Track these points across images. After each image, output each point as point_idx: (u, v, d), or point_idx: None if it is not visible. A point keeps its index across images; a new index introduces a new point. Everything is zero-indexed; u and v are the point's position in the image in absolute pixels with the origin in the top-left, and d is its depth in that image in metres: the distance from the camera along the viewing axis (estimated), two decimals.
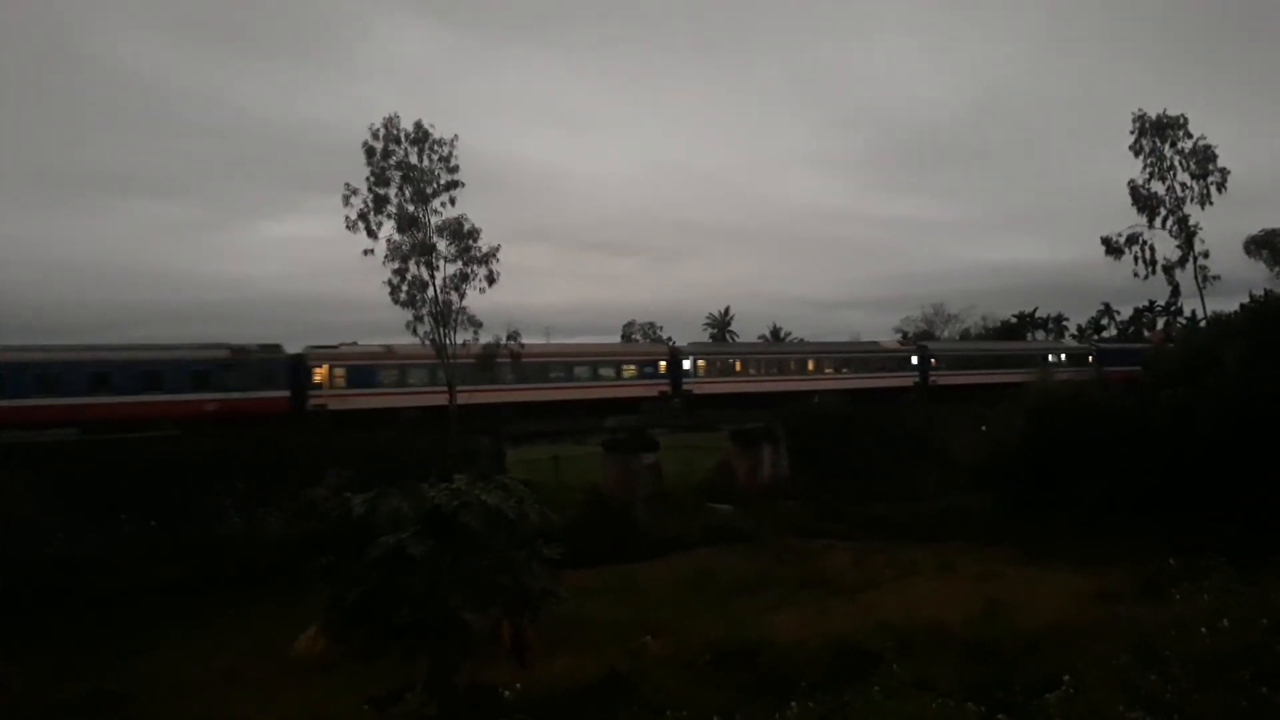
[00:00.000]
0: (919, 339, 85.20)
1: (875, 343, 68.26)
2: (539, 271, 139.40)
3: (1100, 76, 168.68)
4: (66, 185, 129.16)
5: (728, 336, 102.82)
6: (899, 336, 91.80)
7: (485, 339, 40.62)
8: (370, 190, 38.33)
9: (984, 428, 41.09)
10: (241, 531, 32.97)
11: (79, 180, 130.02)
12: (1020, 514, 36.37)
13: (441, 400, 41.78)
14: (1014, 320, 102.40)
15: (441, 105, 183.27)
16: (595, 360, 51.89)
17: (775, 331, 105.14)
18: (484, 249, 39.50)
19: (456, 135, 39.04)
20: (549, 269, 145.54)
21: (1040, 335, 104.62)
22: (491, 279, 39.60)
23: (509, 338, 41.23)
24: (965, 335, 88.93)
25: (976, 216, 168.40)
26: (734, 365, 56.76)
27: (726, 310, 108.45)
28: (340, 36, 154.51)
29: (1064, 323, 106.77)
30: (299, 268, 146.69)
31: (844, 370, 60.34)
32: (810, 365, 59.68)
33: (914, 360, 62.75)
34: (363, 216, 38.18)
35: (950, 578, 28.44)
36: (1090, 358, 69.02)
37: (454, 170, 39.21)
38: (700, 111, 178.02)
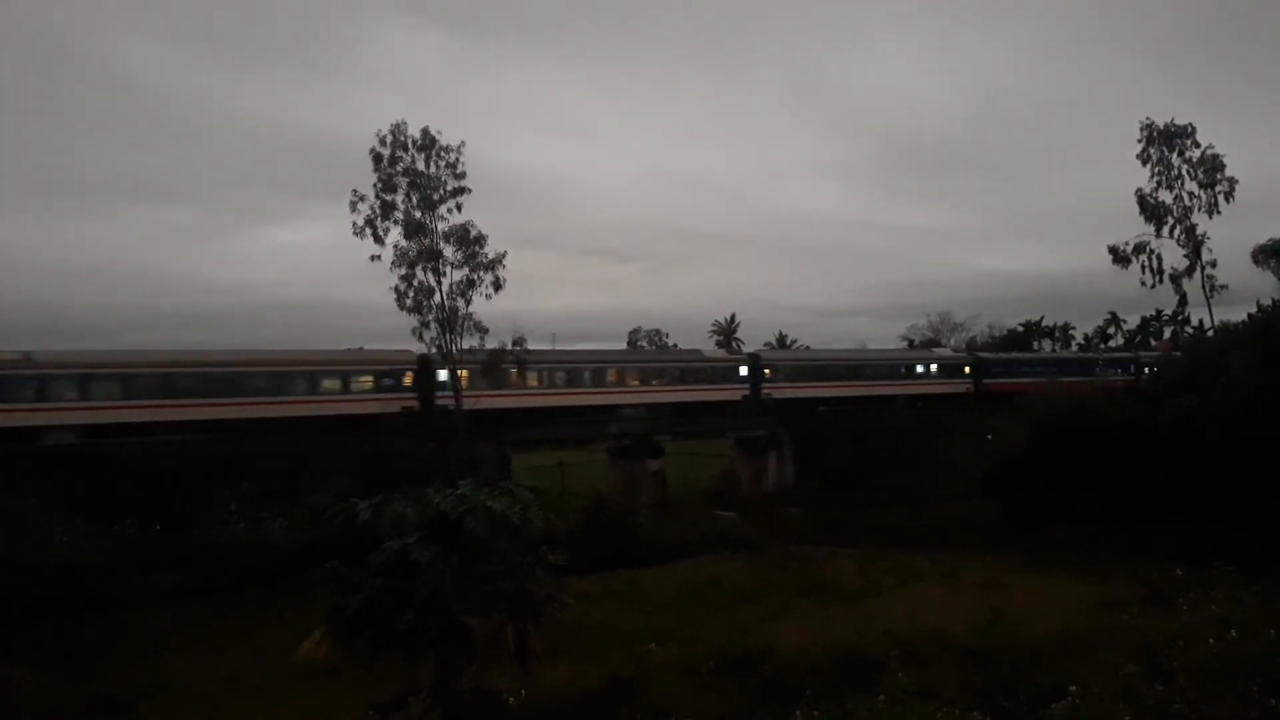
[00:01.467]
0: (925, 347, 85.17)
1: (698, 351, 64.82)
2: (543, 278, 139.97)
3: (1105, 82, 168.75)
4: (73, 190, 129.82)
5: (734, 344, 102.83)
6: (904, 344, 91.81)
7: (491, 344, 40.68)
8: (377, 196, 38.49)
9: (989, 436, 40.95)
10: (245, 536, 32.98)
11: (85, 186, 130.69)
12: (1024, 522, 36.30)
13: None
14: (1020, 329, 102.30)
15: (445, 112, 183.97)
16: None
17: (781, 339, 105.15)
18: (490, 255, 39.63)
19: (463, 142, 39.23)
20: (553, 275, 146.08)
21: (1047, 344, 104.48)
22: (498, 285, 39.75)
23: (514, 344, 41.28)
24: (971, 344, 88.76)
25: (982, 224, 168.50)
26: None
27: (733, 318, 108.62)
28: (344, 43, 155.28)
29: (1070, 331, 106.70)
30: (303, 273, 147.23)
31: (654, 382, 53.57)
32: (611, 376, 52.38)
33: (743, 371, 56.02)
34: (370, 222, 38.35)
35: (954, 585, 28.39)
36: (967, 369, 64.47)
37: (461, 177, 39.37)
38: (702, 119, 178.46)
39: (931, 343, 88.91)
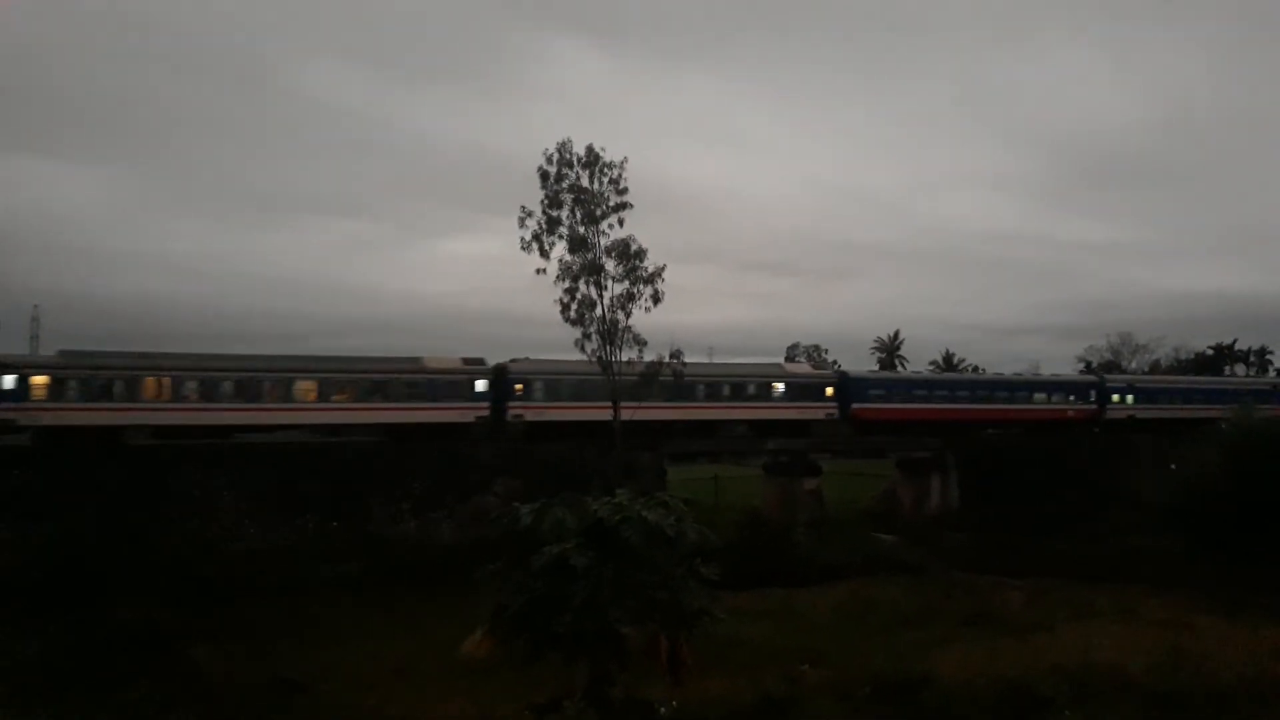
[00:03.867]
0: (1104, 369, 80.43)
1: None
2: (702, 291, 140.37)
3: None
4: (260, 204, 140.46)
5: (897, 363, 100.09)
6: (1081, 366, 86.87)
7: (649, 357, 41.19)
8: (544, 212, 39.66)
9: (1173, 465, 38.24)
10: (415, 534, 34.70)
11: (271, 199, 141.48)
12: (1215, 560, 33.59)
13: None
14: (1210, 352, 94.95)
15: (609, 128, 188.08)
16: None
17: (948, 358, 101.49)
18: (649, 269, 40.16)
19: (626, 158, 39.92)
20: (711, 289, 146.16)
21: (1240, 369, 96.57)
22: (657, 298, 40.18)
23: (671, 356, 41.66)
24: (1154, 367, 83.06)
25: (1167, 240, 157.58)
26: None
27: (896, 334, 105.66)
28: (514, 63, 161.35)
29: (1268, 356, 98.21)
30: (472, 284, 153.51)
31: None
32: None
33: (478, 386, 43.84)
34: (536, 237, 39.52)
35: (1132, 622, 26.65)
36: (829, 389, 50.65)
37: (623, 192, 40.04)
38: (865, 130, 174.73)
39: (1111, 365, 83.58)
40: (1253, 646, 22.70)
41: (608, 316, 40.43)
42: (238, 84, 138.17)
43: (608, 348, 40.77)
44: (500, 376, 44.26)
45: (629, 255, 40.04)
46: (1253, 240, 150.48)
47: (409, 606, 28.40)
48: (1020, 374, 64.92)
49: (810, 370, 52.45)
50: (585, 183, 39.87)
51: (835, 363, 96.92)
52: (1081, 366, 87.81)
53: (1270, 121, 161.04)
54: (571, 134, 40.19)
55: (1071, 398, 58.12)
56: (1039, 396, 57.26)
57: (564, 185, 39.73)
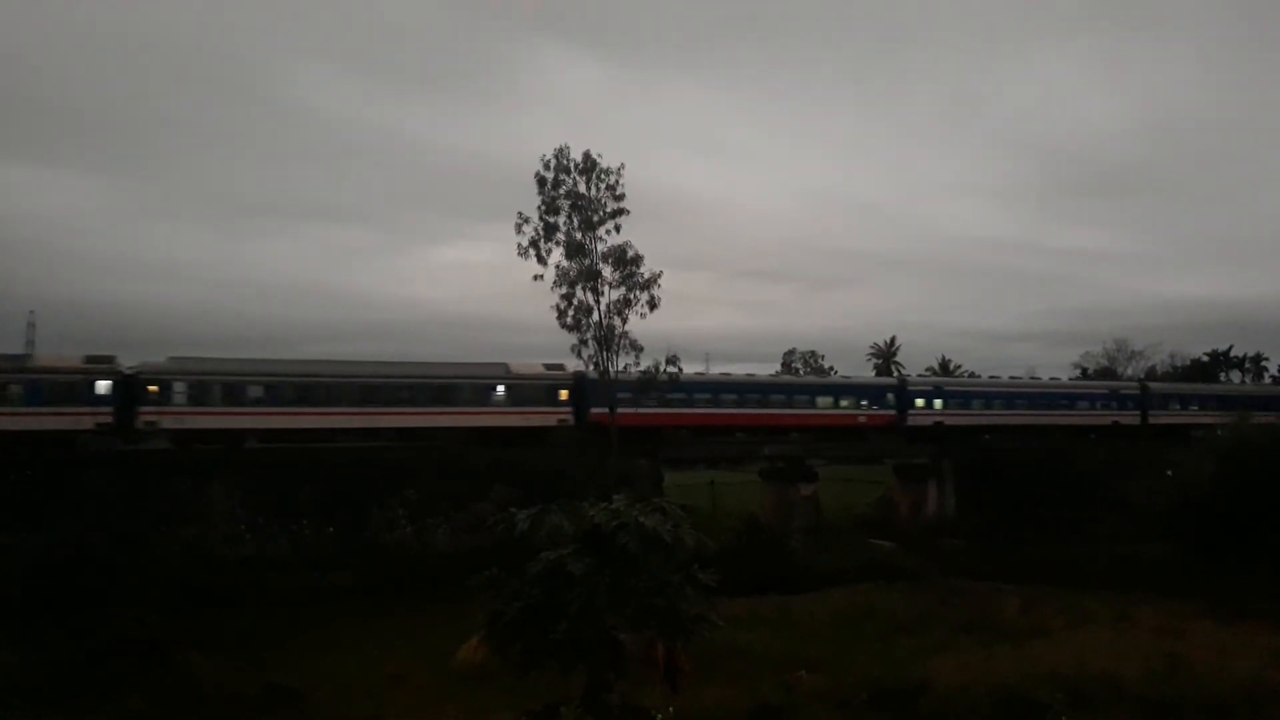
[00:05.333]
0: (1100, 375, 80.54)
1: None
2: (698, 298, 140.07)
3: None
4: (257, 211, 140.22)
5: (893, 368, 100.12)
6: (1077, 373, 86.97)
7: (645, 363, 41.23)
8: (541, 218, 39.69)
9: (1169, 472, 38.29)
10: (411, 541, 34.61)
11: (268, 207, 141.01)
12: (1209, 566, 33.64)
13: None
14: (1205, 359, 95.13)
15: (603, 137, 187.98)
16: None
17: (944, 364, 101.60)
18: (646, 275, 40.19)
19: (623, 164, 39.96)
20: (707, 295, 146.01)
21: (1235, 376, 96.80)
22: (653, 304, 40.22)
23: (668, 362, 41.71)
24: (1150, 373, 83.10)
25: (1162, 248, 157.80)
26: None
27: (892, 340, 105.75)
28: (507, 71, 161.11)
29: (1263, 363, 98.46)
30: (467, 291, 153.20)
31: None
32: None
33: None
34: (534, 243, 39.54)
35: (1127, 630, 26.69)
36: (564, 392, 45.72)
37: (620, 199, 40.10)
38: (859, 139, 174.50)
39: (1107, 372, 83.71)
40: (1248, 653, 22.70)
41: (604, 322, 40.46)
42: (232, 91, 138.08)
43: (604, 353, 40.80)
44: (125, 379, 38.20)
45: (625, 261, 40.10)
46: (1246, 248, 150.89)
47: (405, 613, 28.36)
48: (820, 377, 61.39)
49: (542, 371, 45.70)
50: (582, 189, 39.95)
51: (832, 369, 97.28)
52: (1077, 373, 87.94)
53: (1261, 129, 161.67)
54: (565, 141, 40.08)
55: (864, 402, 52.81)
56: (823, 401, 52.10)
57: (561, 191, 39.78)
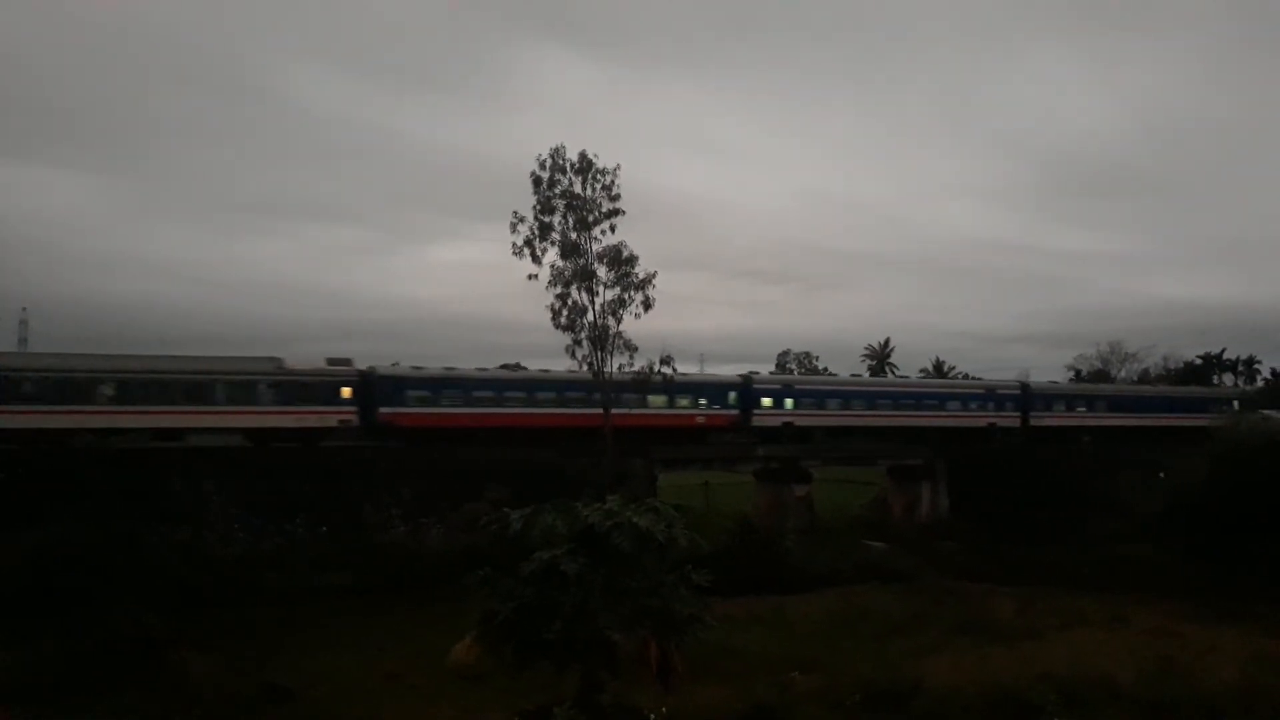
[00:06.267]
0: (1094, 378, 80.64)
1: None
2: (693, 298, 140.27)
3: None
4: (251, 210, 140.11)
5: (886, 370, 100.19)
6: (1071, 375, 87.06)
7: (639, 363, 41.22)
8: (536, 218, 39.64)
9: (1162, 474, 38.39)
10: (405, 541, 34.53)
11: (262, 206, 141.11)
12: (1203, 568, 33.73)
13: None
14: (1199, 361, 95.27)
15: (598, 137, 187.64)
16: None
17: (939, 365, 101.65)
18: (641, 275, 40.17)
19: (619, 165, 39.92)
20: (703, 296, 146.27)
21: (1228, 379, 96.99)
22: (647, 304, 40.19)
23: (662, 363, 41.71)
24: (1144, 376, 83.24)
25: (1159, 250, 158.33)
26: None
27: (886, 342, 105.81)
28: (500, 71, 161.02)
29: (1256, 365, 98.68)
30: (461, 290, 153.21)
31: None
32: None
33: None
34: (528, 243, 39.50)
35: (1121, 631, 26.78)
36: (346, 390, 41.56)
37: (615, 199, 40.05)
38: (855, 141, 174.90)
39: (1101, 374, 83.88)
40: (1241, 655, 22.78)
41: (599, 322, 40.44)
42: (228, 90, 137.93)
43: (598, 354, 40.78)
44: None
45: (620, 261, 40.06)
46: (1242, 250, 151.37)
47: (399, 613, 28.30)
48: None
49: (321, 366, 41.68)
50: (578, 189, 39.91)
51: (825, 369, 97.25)
52: (1071, 375, 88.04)
53: (1258, 131, 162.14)
54: (561, 141, 39.90)
55: (704, 401, 48.97)
56: (657, 400, 47.07)
57: (556, 191, 39.74)
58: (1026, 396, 57.67)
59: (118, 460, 35.44)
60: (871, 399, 53.88)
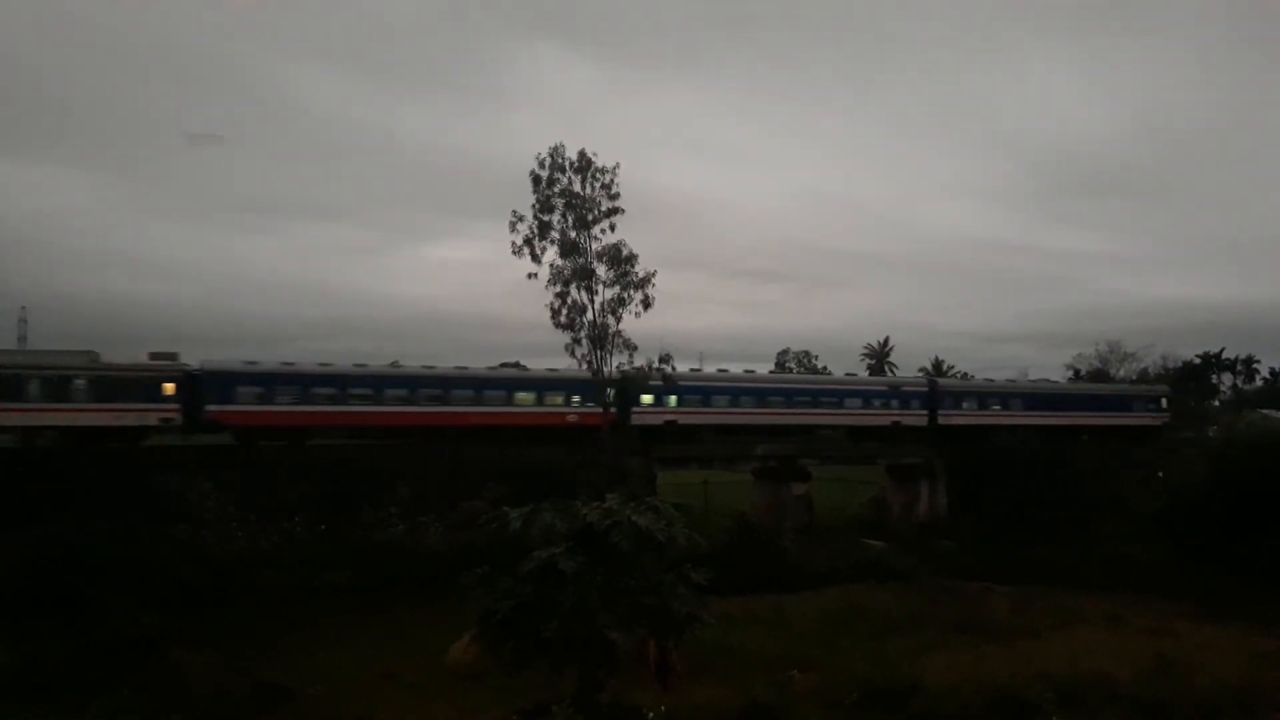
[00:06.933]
0: (1092, 377, 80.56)
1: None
2: (692, 297, 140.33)
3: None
4: (249, 209, 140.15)
5: (885, 369, 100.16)
6: (1070, 374, 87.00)
7: (639, 362, 41.22)
8: (535, 217, 39.57)
9: (1160, 473, 38.41)
10: (403, 539, 34.50)
11: (256, 203, 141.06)
12: (1200, 567, 33.78)
13: None
14: (1197, 361, 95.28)
15: (596, 136, 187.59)
16: None
17: (938, 365, 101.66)
18: (640, 274, 40.13)
19: (618, 163, 39.87)
20: (701, 295, 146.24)
21: (1227, 379, 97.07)
22: (647, 303, 40.13)
23: (661, 361, 41.70)
24: (1143, 375, 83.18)
25: (1156, 250, 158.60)
26: None
27: (885, 341, 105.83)
28: (497, 70, 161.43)
29: (1255, 365, 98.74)
30: (459, 289, 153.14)
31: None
32: None
33: None
34: (528, 242, 39.43)
35: (1118, 630, 26.81)
36: (171, 385, 38.99)
37: (615, 197, 39.97)
38: (852, 140, 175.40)
39: (1100, 373, 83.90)
40: (1239, 654, 22.83)
41: (598, 321, 40.40)
42: (224, 89, 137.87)
43: (598, 352, 40.75)
44: None
45: (620, 260, 40.00)
46: (1239, 250, 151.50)
47: (397, 612, 28.30)
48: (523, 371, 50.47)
49: (141, 362, 39.53)
50: (577, 188, 39.82)
51: (824, 368, 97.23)
52: (1070, 374, 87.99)
53: (1254, 131, 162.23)
54: (559, 140, 39.71)
55: (576, 398, 46.28)
56: (523, 397, 45.57)
57: (556, 190, 39.65)
58: (934, 394, 55.67)
59: (116, 459, 35.46)
60: (763, 395, 50.85)
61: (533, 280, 39.65)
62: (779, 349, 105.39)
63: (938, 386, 57.38)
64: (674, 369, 42.88)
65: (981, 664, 21.85)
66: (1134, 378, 79.10)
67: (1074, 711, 16.56)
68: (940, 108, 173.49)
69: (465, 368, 46.14)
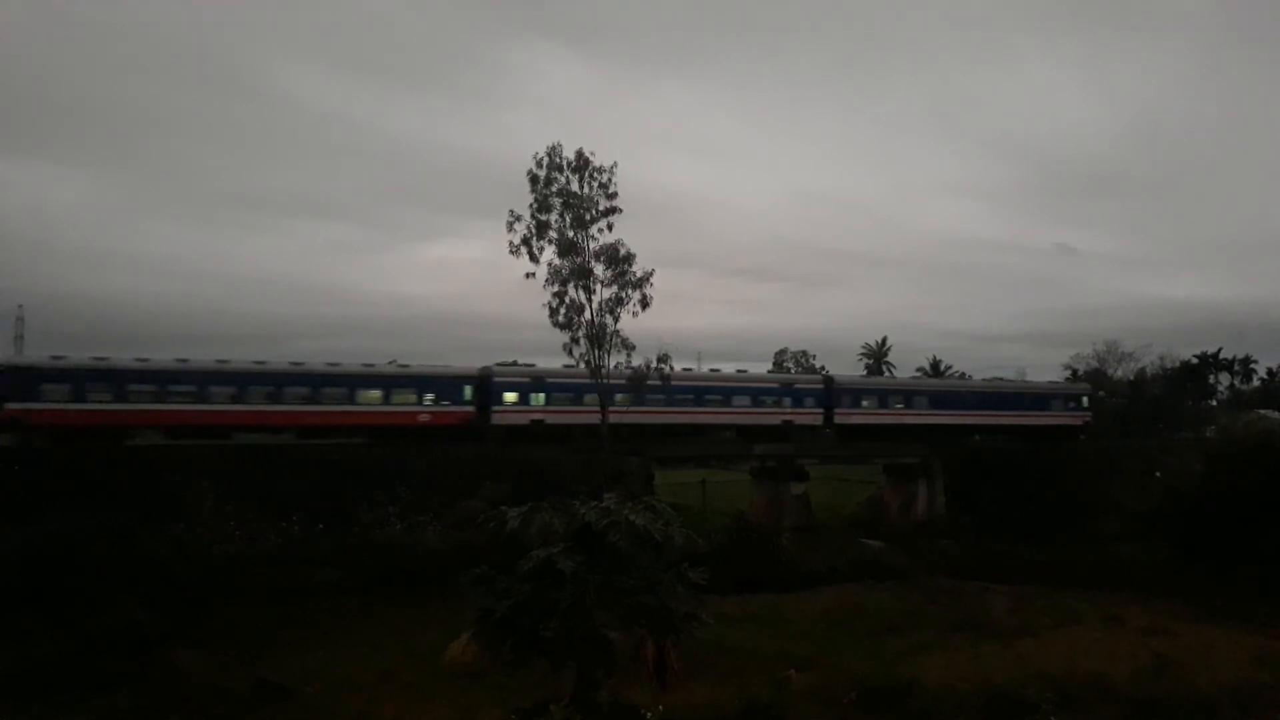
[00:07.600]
0: (1089, 377, 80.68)
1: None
2: (688, 297, 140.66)
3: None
4: (242, 206, 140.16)
5: (885, 369, 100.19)
6: (1068, 374, 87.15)
7: (636, 362, 41.24)
8: (533, 216, 39.57)
9: (1158, 473, 38.48)
10: (402, 538, 34.50)
11: (253, 202, 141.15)
12: (1198, 567, 33.81)
13: None
14: (1195, 360, 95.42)
15: (591, 136, 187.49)
16: None
17: (935, 364, 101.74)
18: (638, 273, 40.14)
19: (616, 163, 39.86)
20: (698, 294, 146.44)
21: (1224, 379, 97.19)
22: (645, 303, 40.15)
23: (659, 360, 41.71)
24: (1140, 375, 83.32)
25: (1151, 249, 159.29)
26: None
27: (884, 340, 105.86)
28: (493, 70, 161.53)
29: (1252, 365, 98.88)
30: (456, 288, 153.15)
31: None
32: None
33: None
34: (525, 241, 39.43)
35: (1115, 630, 26.76)
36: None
37: (612, 197, 39.98)
38: (848, 140, 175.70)
39: (1097, 373, 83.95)
40: (1236, 653, 22.84)
41: (596, 320, 40.40)
42: (222, 88, 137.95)
43: (595, 352, 40.76)
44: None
45: (618, 260, 40.01)
46: (1236, 249, 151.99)
47: (395, 611, 28.26)
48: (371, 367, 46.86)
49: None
50: (575, 187, 39.81)
51: (823, 368, 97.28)
52: (1068, 374, 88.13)
53: (1249, 131, 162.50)
54: (552, 142, 39.64)
55: (431, 397, 44.72)
56: (369, 395, 43.65)
57: (553, 189, 39.64)
58: (830, 391, 54.19)
59: (113, 458, 35.42)
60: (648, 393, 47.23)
61: (531, 279, 39.70)
62: (777, 348, 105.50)
63: (834, 384, 55.80)
64: (672, 368, 42.88)
65: (979, 663, 21.86)
66: (1131, 378, 79.16)
67: (1071, 711, 16.60)
68: (938, 107, 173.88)
69: (301, 363, 43.71)
